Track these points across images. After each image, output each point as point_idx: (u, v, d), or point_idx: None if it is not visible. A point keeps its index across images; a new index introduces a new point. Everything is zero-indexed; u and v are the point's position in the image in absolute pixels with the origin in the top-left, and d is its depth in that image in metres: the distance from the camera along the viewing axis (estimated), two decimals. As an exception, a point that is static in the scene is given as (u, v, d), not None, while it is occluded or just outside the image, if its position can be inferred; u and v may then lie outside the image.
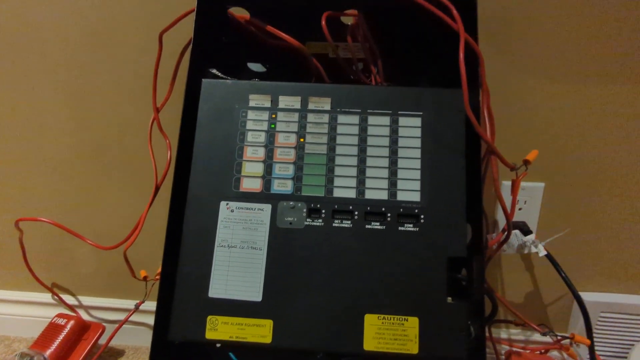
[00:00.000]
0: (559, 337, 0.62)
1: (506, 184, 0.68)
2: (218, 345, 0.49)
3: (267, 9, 0.60)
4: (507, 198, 0.54)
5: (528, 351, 0.69)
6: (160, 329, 0.48)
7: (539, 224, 0.71)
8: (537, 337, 0.74)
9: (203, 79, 0.54)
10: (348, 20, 0.62)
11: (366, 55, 0.61)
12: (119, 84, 0.71)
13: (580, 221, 0.70)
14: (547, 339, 0.65)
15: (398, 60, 0.63)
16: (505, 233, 0.57)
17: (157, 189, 0.58)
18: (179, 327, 0.48)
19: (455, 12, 0.50)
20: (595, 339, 0.67)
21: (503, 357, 0.69)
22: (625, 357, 0.68)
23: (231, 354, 0.50)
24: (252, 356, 0.51)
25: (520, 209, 0.70)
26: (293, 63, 0.60)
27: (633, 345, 0.68)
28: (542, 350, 0.69)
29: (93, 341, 0.64)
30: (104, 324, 0.71)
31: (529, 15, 0.65)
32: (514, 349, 0.70)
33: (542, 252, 0.63)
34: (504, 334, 0.75)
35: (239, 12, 0.61)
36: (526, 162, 0.53)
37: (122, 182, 0.74)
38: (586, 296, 0.67)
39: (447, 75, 0.60)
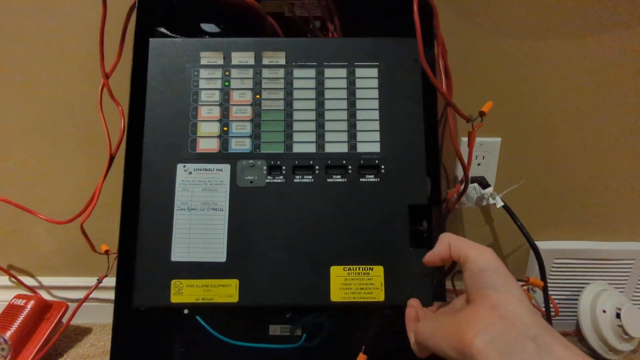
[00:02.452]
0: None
1: (464, 140, 0.67)
2: (186, 311, 0.45)
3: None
4: (466, 153, 0.52)
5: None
6: (123, 298, 0.44)
7: (497, 178, 0.70)
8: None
9: (150, 39, 0.49)
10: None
11: (322, 12, 0.57)
12: (64, 51, 0.65)
13: (536, 173, 0.70)
14: None
15: (355, 15, 0.59)
16: (463, 184, 0.56)
17: (111, 158, 0.53)
18: (142, 293, 0.44)
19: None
20: (549, 284, 0.68)
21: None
22: (577, 298, 0.69)
23: (198, 318, 0.47)
24: (220, 318, 0.48)
25: (479, 165, 0.69)
26: (248, 23, 0.55)
27: (584, 287, 0.69)
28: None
29: (56, 320, 0.59)
30: (69, 303, 0.66)
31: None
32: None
33: (500, 204, 0.62)
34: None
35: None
36: (482, 114, 0.51)
37: (75, 155, 0.68)
38: (541, 244, 0.67)
39: (405, 29, 0.57)
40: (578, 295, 0.69)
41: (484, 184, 0.66)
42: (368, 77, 0.49)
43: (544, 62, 0.66)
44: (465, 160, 0.52)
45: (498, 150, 0.69)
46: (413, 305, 0.42)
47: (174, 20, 0.57)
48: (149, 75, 0.49)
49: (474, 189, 0.63)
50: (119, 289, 0.45)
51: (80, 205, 0.58)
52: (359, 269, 0.45)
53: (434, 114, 0.49)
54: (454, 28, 0.63)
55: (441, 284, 0.47)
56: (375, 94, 0.48)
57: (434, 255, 0.39)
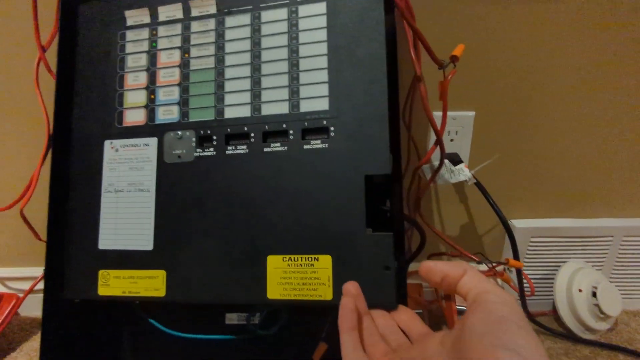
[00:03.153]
0: (493, 264, 0.52)
1: (437, 115, 0.53)
2: (137, 301, 0.40)
3: None
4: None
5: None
6: (53, 290, 0.40)
7: (471, 155, 0.60)
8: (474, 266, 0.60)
9: (80, 5, 0.43)
10: None
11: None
12: None
13: (511, 149, 0.60)
14: (484, 267, 0.54)
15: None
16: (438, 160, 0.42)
17: (50, 138, 0.48)
18: (72, 284, 0.40)
19: None
20: (526, 263, 0.63)
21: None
22: (554, 278, 0.62)
23: (152, 321, 0.41)
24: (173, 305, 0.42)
25: (452, 140, 0.57)
26: None
27: (560, 266, 0.62)
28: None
29: (7, 312, 0.58)
30: (21, 295, 0.64)
31: None
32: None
33: (471, 180, 0.49)
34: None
35: None
36: (454, 59, 0.38)
37: (12, 135, 0.64)
38: (517, 223, 0.62)
39: None
40: (554, 274, 0.62)
41: (456, 160, 0.53)
42: (314, 15, 0.38)
43: (519, 29, 0.54)
44: (439, 125, 0.39)
45: (472, 125, 0.57)
46: (351, 294, 0.31)
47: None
48: (79, 45, 0.43)
49: (444, 166, 0.50)
50: (48, 279, 0.41)
51: (20, 188, 0.54)
52: (301, 260, 0.35)
53: (394, 66, 0.37)
54: None
55: (402, 271, 0.35)
56: (322, 35, 0.37)
57: (437, 270, 0.28)
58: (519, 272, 0.53)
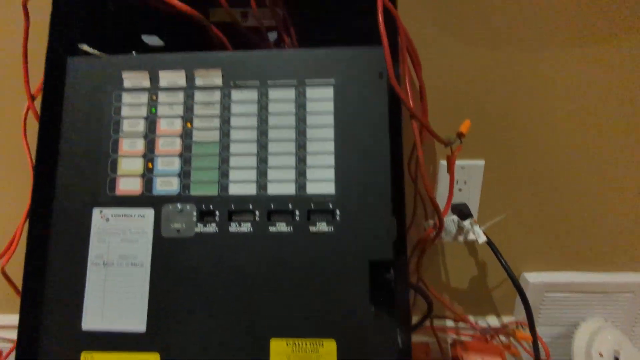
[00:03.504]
0: (505, 324, 0.53)
1: (443, 164, 0.56)
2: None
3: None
4: (444, 181, 0.41)
5: (473, 339, 0.58)
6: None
7: (480, 205, 0.59)
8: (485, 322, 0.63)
9: (69, 58, 0.41)
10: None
11: (277, 22, 0.47)
12: None
13: (523, 198, 0.60)
14: (495, 322, 0.55)
15: (314, 25, 0.49)
16: (439, 223, 0.45)
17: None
18: (48, 366, 0.36)
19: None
20: (541, 321, 0.60)
21: (449, 347, 0.58)
22: (571, 337, 0.59)
23: None
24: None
25: (460, 190, 0.58)
26: (195, 34, 0.46)
27: (578, 324, 0.59)
28: (489, 337, 0.58)
29: None
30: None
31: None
32: (460, 338, 0.59)
33: (482, 239, 0.51)
34: (450, 322, 0.63)
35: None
36: (460, 135, 0.40)
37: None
38: (531, 277, 0.59)
39: (371, 39, 0.46)
40: (572, 333, 0.59)
41: (465, 213, 0.55)
42: (321, 99, 0.38)
43: (529, 77, 0.55)
44: (446, 190, 0.42)
45: (481, 174, 0.58)
46: None
47: (109, 31, 0.49)
48: (65, 101, 0.40)
49: (452, 222, 0.52)
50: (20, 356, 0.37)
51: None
52: (306, 344, 0.35)
53: (399, 141, 0.39)
54: (427, 39, 0.52)
55: (408, 342, 0.37)
56: (329, 119, 0.38)
57: None
58: (532, 333, 0.51)
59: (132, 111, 0.40)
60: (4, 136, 0.59)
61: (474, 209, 0.58)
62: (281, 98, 0.39)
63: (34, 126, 0.45)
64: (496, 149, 0.57)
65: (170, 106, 0.40)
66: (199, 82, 0.40)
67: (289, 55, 0.39)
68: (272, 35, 0.50)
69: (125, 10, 0.50)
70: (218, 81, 0.39)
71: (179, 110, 0.39)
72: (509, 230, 0.58)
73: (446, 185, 0.40)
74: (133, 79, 0.40)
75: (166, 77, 0.40)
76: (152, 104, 0.40)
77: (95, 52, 0.43)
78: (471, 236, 0.51)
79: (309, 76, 0.39)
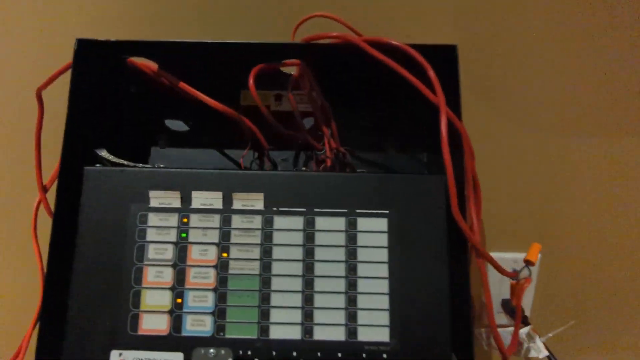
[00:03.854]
0: None
1: (498, 256, 0.53)
2: None
3: (178, 60, 0.41)
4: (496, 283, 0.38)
5: None
6: None
7: (534, 301, 0.56)
8: None
9: (85, 168, 0.36)
10: (291, 69, 0.44)
11: (315, 113, 0.44)
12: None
13: (583, 294, 0.56)
14: None
15: (356, 116, 0.46)
16: None
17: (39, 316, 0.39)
18: None
19: (433, 77, 0.32)
20: None
21: None
22: None
23: None
24: None
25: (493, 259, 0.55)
26: (223, 119, 0.42)
27: None
28: None
29: None
30: None
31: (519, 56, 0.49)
32: None
33: (543, 353, 0.48)
34: None
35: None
36: (529, 263, 0.38)
37: (8, 287, 0.54)
38: None
39: (418, 135, 0.44)
40: None
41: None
42: (375, 232, 0.35)
43: (590, 164, 0.53)
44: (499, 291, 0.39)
45: (537, 268, 0.55)
46: None
47: (131, 114, 0.44)
48: (81, 218, 0.35)
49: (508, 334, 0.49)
50: None
51: (6, 349, 0.44)
52: None
53: (464, 280, 0.36)
54: (479, 123, 0.50)
55: None
56: (383, 254, 0.35)
57: None
58: None
59: (159, 235, 0.35)
60: (13, 234, 0.53)
61: (527, 306, 0.54)
62: (330, 228, 0.35)
63: (46, 222, 0.39)
64: (552, 239, 0.54)
65: (203, 231, 0.35)
66: (237, 205, 0.36)
67: (339, 179, 0.36)
68: (309, 122, 0.47)
69: (148, 94, 0.45)
70: (259, 205, 0.35)
71: (214, 236, 0.35)
72: (567, 332, 0.50)
73: (495, 281, 0.37)
74: (162, 197, 0.35)
75: (200, 198, 0.36)
76: (183, 227, 0.35)
77: (115, 159, 0.38)
78: (532, 353, 0.47)
79: (361, 204, 0.35)
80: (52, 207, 0.37)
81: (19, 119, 0.52)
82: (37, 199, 0.44)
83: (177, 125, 0.47)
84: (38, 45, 0.51)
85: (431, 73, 0.33)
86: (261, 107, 0.39)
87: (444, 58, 0.36)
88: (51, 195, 0.39)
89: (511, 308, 0.52)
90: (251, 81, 0.38)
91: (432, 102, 0.33)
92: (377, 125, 0.46)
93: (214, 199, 0.36)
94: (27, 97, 0.47)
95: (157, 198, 0.35)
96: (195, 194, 0.36)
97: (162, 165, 0.38)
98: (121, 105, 0.45)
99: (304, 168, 0.45)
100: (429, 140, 0.46)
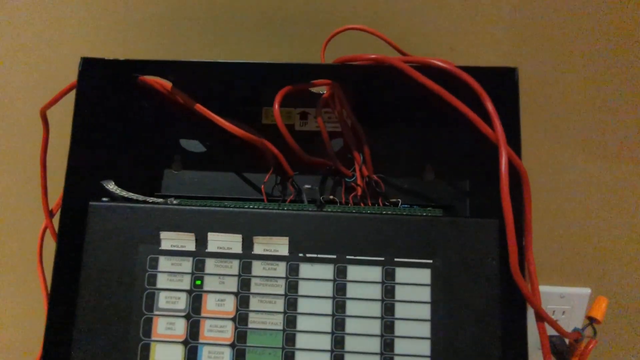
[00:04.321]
0: None
1: (546, 290, 0.48)
2: None
3: (194, 78, 0.36)
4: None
5: None
6: None
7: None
8: None
9: (90, 203, 0.32)
10: (320, 88, 0.39)
11: (346, 135, 0.39)
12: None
13: (632, 340, 0.50)
14: None
15: (390, 138, 0.41)
16: None
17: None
18: None
19: (492, 110, 0.27)
20: None
21: None
22: None
23: None
24: None
25: (557, 321, 0.49)
26: (243, 140, 0.37)
27: None
28: None
29: None
30: None
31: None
32: None
33: None
34: None
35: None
36: (593, 321, 0.32)
37: (7, 315, 0.51)
38: None
39: (460, 161, 0.39)
40: None
41: (560, 349, 0.47)
42: (416, 284, 0.30)
43: None
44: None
45: (585, 306, 0.50)
46: None
47: (142, 133, 0.41)
48: (84, 260, 0.32)
49: None
50: None
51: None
52: None
53: (523, 342, 0.30)
54: (533, 147, 0.45)
55: None
56: (425, 312, 0.30)
57: None
58: None
59: (171, 282, 0.31)
60: (17, 261, 0.50)
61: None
62: (364, 278, 0.31)
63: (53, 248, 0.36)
64: (606, 276, 0.49)
65: (220, 278, 0.31)
66: (258, 249, 0.31)
67: (376, 221, 0.31)
68: (338, 143, 0.42)
69: (162, 111, 0.41)
70: (283, 250, 0.31)
71: (232, 285, 0.31)
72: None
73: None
74: (174, 239, 0.31)
75: (217, 241, 0.31)
76: (198, 274, 0.31)
77: (124, 192, 0.34)
78: None
79: (400, 252, 0.31)
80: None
81: (27, 139, 0.49)
82: (43, 224, 0.41)
83: (193, 145, 0.43)
84: (46, 62, 0.48)
85: (490, 106, 0.28)
86: (286, 135, 0.34)
87: (500, 82, 0.31)
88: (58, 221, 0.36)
89: (553, 344, 0.47)
90: (276, 106, 0.33)
91: (489, 138, 0.28)
92: (414, 149, 0.41)
93: (232, 242, 0.31)
94: (35, 117, 0.44)
95: (169, 240, 0.31)
96: (211, 236, 0.31)
97: (175, 202, 0.34)
98: (132, 125, 0.41)
99: (331, 197, 0.41)
100: (472, 166, 0.41)
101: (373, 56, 0.30)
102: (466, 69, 0.29)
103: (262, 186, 0.40)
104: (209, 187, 0.42)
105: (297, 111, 0.43)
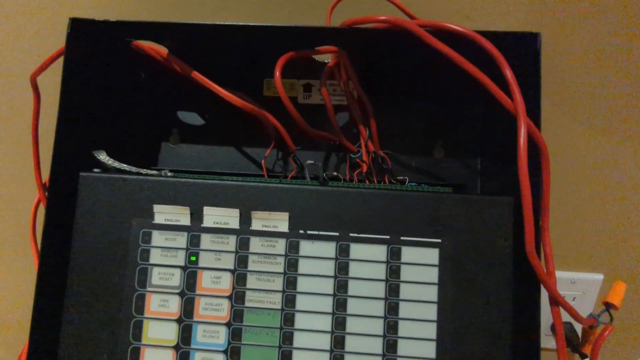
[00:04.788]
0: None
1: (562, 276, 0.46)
2: None
3: (192, 44, 0.34)
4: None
5: None
6: None
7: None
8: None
9: (81, 173, 0.30)
10: (325, 56, 0.37)
11: (352, 108, 0.37)
12: None
13: None
14: None
15: (399, 113, 0.39)
16: None
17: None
18: None
19: (511, 78, 0.25)
20: None
21: None
22: None
23: None
24: None
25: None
26: (243, 112, 0.35)
27: None
28: None
29: None
30: None
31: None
32: None
33: None
34: None
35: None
36: (609, 307, 0.30)
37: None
38: None
39: (471, 138, 0.37)
40: None
41: (568, 335, 0.45)
42: (422, 264, 0.29)
43: None
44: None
45: (597, 292, 0.48)
46: None
47: (138, 105, 0.39)
48: (75, 233, 0.30)
49: None
50: None
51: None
52: None
53: (535, 327, 0.29)
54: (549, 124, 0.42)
55: None
56: (432, 294, 0.28)
57: None
58: None
59: (164, 258, 0.30)
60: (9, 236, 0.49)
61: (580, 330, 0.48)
62: (368, 257, 0.29)
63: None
64: (619, 262, 0.47)
65: (216, 255, 0.30)
66: (257, 225, 0.30)
67: (381, 197, 0.29)
68: (343, 117, 0.40)
69: (158, 81, 0.39)
70: (283, 226, 0.29)
71: (229, 262, 0.29)
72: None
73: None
74: (168, 212, 0.30)
75: (213, 215, 0.30)
76: (193, 250, 0.30)
77: (116, 163, 0.32)
78: None
79: (407, 230, 0.29)
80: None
81: (18, 109, 0.47)
82: (36, 197, 0.40)
83: (191, 118, 0.41)
84: (37, 26, 0.45)
85: (508, 73, 0.25)
86: (288, 106, 0.32)
87: (521, 49, 0.28)
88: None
89: (567, 335, 0.45)
90: (277, 73, 0.31)
91: (507, 108, 0.26)
92: (424, 125, 0.39)
93: (229, 216, 0.30)
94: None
95: (162, 213, 0.30)
96: (207, 210, 0.30)
97: (169, 173, 0.32)
98: (126, 95, 0.39)
99: (335, 173, 0.39)
100: (484, 144, 0.39)
101: (384, 18, 0.27)
102: (484, 33, 0.27)
103: (263, 161, 0.38)
104: (207, 161, 0.41)
105: (300, 83, 0.41)
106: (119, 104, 0.39)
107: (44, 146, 0.35)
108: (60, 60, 0.33)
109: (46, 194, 0.34)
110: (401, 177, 0.38)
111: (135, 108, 0.40)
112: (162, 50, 0.35)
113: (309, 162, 0.39)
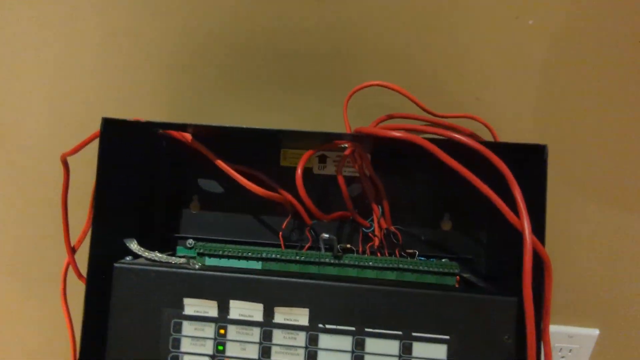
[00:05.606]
0: None
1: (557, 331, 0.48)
2: None
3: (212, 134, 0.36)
4: None
5: None
6: None
7: None
8: None
9: (115, 264, 0.33)
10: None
11: (365, 186, 0.39)
12: (28, 217, 0.49)
13: None
14: None
15: (408, 188, 0.41)
16: None
17: None
18: None
19: (519, 198, 0.27)
20: None
21: None
22: None
23: None
24: None
25: (562, 358, 0.51)
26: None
27: None
28: None
29: None
30: None
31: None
32: None
33: None
34: None
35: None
36: None
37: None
38: None
39: (478, 212, 0.39)
40: None
41: None
42: (431, 359, 0.31)
43: None
44: None
45: (592, 346, 0.51)
46: None
47: (162, 173, 0.41)
48: (110, 320, 0.33)
49: None
50: None
51: None
52: None
53: None
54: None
55: None
56: (441, 386, 0.31)
57: None
58: None
59: (194, 346, 0.32)
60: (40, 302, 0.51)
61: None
62: (381, 351, 0.31)
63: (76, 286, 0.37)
64: (616, 317, 0.49)
65: (241, 345, 0.32)
66: (279, 318, 0.32)
67: (395, 294, 0.32)
68: (356, 188, 0.42)
69: (181, 154, 0.41)
70: (303, 320, 0.32)
71: (253, 352, 0.32)
72: None
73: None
74: (197, 305, 0.32)
75: (238, 308, 0.32)
76: (220, 340, 0.32)
77: (145, 253, 0.34)
78: None
79: (418, 326, 0.31)
80: (83, 272, 0.34)
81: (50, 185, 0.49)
82: (65, 261, 0.42)
83: (210, 186, 0.43)
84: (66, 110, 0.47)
85: (517, 194, 0.27)
86: (306, 202, 0.34)
87: (526, 159, 0.30)
88: (79, 257, 0.36)
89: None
90: (299, 171, 0.33)
91: (514, 225, 0.28)
92: (432, 198, 0.41)
93: (254, 309, 0.32)
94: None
95: (192, 305, 0.32)
96: (233, 303, 0.32)
97: (197, 265, 0.34)
98: (149, 165, 0.41)
99: (348, 245, 0.41)
100: (490, 218, 0.41)
101: (399, 135, 0.29)
102: (491, 145, 0.29)
103: (280, 233, 0.41)
104: (226, 228, 0.43)
105: (316, 154, 0.43)
106: (144, 177, 0.41)
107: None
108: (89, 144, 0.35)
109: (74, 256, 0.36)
110: (411, 251, 0.41)
111: (157, 175, 0.42)
112: (187, 135, 0.37)
113: (324, 235, 0.41)
